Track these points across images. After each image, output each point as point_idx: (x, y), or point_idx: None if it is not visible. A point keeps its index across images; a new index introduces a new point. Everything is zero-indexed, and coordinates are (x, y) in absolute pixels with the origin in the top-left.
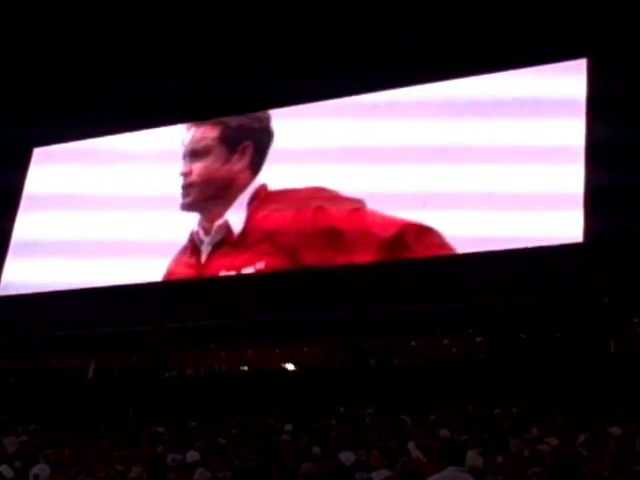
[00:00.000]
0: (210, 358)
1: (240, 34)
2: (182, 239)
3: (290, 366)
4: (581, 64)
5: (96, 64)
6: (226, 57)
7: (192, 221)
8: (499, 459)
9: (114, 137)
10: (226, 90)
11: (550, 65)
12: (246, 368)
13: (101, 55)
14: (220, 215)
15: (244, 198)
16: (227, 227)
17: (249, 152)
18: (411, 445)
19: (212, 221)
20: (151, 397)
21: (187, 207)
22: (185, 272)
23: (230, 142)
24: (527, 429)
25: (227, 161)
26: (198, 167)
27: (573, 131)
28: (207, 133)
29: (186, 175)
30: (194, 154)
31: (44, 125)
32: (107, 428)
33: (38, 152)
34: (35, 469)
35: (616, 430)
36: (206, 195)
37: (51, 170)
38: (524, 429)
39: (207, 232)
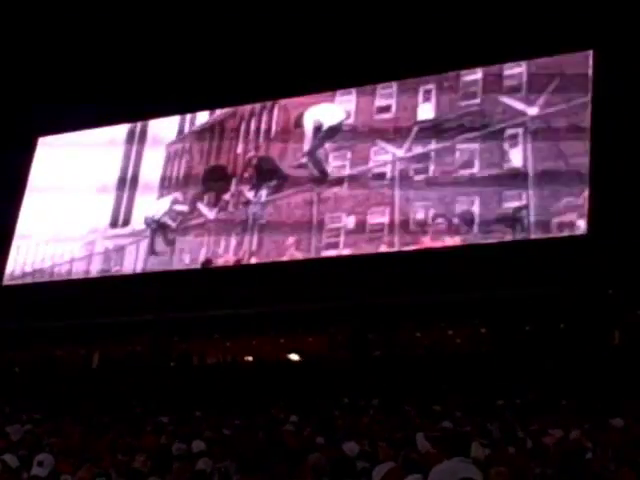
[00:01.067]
0: (214, 348)
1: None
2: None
3: (294, 356)
4: (587, 56)
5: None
6: (226, 47)
7: None
8: (503, 450)
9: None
10: (227, 81)
11: (556, 57)
12: (250, 358)
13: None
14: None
15: None
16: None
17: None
18: (420, 437)
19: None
20: (155, 387)
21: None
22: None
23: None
24: (531, 421)
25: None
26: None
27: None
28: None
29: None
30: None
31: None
32: (111, 418)
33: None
34: (39, 456)
35: (618, 422)
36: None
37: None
38: (528, 421)
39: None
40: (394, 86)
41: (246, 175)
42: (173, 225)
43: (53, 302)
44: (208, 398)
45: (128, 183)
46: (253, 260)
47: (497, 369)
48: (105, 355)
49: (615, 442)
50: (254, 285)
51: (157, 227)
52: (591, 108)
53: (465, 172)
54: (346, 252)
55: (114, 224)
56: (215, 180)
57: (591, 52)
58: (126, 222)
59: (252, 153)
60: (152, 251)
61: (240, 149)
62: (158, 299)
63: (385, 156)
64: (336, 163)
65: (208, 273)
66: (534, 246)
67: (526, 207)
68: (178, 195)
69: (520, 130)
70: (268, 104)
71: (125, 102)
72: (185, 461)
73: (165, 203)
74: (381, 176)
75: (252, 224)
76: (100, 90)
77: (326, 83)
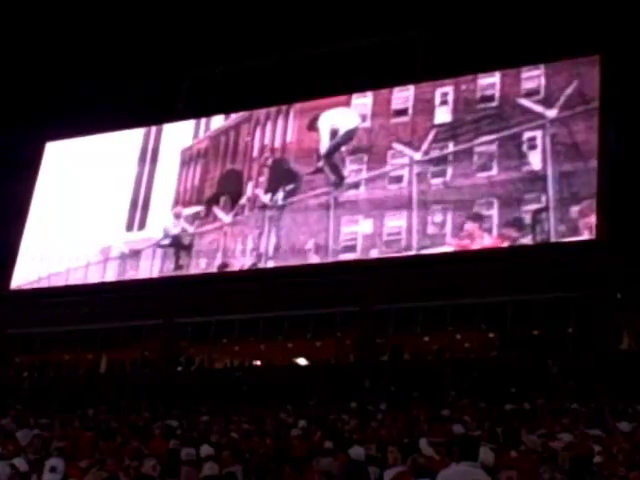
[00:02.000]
0: (223, 353)
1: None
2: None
3: (302, 361)
4: (594, 61)
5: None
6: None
7: None
8: (512, 455)
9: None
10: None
11: (563, 62)
12: (258, 363)
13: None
14: None
15: None
16: None
17: None
18: (423, 442)
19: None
20: (164, 391)
21: None
22: None
23: None
24: (539, 425)
25: None
26: None
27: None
28: None
29: None
30: None
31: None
32: (120, 422)
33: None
34: (52, 461)
35: (626, 426)
36: None
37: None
38: (536, 425)
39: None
40: (411, 89)
41: (262, 179)
42: (190, 229)
43: (60, 307)
44: (216, 403)
45: (144, 186)
46: (270, 264)
47: (505, 373)
48: (113, 359)
49: (624, 446)
50: (262, 291)
51: (174, 242)
52: (598, 115)
53: (483, 175)
54: (364, 255)
55: (130, 227)
56: (231, 184)
57: (598, 57)
58: (142, 225)
59: (268, 156)
60: (177, 266)
61: (256, 153)
62: (166, 304)
63: (402, 159)
64: (353, 166)
65: (216, 279)
66: (543, 251)
67: (546, 209)
68: (180, 208)
69: (539, 132)
70: (283, 108)
71: (139, 106)
72: (193, 466)
73: (172, 216)
74: (398, 179)
75: (269, 228)
76: (114, 94)
77: (343, 86)
